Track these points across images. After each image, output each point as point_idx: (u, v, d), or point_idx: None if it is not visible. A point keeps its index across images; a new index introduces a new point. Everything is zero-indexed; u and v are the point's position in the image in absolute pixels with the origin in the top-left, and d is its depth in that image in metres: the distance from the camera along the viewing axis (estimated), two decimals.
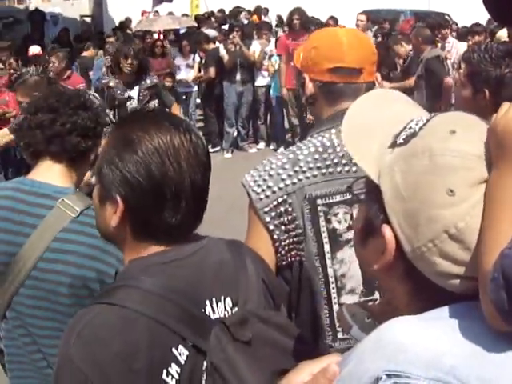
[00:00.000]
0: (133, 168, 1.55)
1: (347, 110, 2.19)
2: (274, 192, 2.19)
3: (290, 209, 2.19)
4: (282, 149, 12.16)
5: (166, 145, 1.56)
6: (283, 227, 2.20)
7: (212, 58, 12.48)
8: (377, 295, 2.21)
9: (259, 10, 19.20)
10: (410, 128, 1.11)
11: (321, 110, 2.37)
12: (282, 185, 2.19)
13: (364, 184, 1.22)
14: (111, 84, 7.51)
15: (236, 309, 1.64)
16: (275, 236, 2.20)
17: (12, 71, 10.19)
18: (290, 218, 2.19)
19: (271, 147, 12.60)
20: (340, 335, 2.22)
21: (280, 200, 2.19)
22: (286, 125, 12.30)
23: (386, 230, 1.09)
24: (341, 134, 1.24)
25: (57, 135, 2.49)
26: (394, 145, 1.12)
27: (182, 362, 1.52)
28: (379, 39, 12.25)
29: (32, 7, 22.39)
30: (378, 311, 1.31)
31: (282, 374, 1.44)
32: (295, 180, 2.19)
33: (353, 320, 1.35)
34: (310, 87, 2.37)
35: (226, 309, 1.62)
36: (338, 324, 2.18)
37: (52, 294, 2.39)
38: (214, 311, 1.60)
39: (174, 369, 1.51)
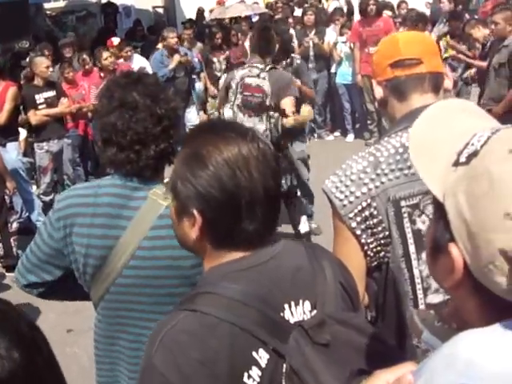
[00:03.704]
0: (206, 183, 1.62)
1: (419, 108, 2.22)
2: (357, 197, 2.22)
3: (374, 212, 2.21)
4: (350, 136, 12.09)
5: (235, 156, 1.62)
6: (369, 231, 2.22)
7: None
8: None
9: None
10: (472, 145, 1.11)
11: (393, 110, 2.39)
12: (364, 189, 2.21)
13: (431, 201, 1.23)
14: None
15: (314, 312, 1.67)
16: (363, 240, 2.23)
17: (86, 67, 10.29)
18: (375, 221, 2.21)
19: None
20: None
21: (364, 204, 2.21)
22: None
23: (453, 249, 1.10)
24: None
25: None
26: (457, 163, 1.12)
27: (263, 366, 1.57)
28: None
29: (104, 0, 22.47)
30: (447, 315, 1.32)
31: (359, 374, 1.48)
32: (378, 183, 2.21)
33: (423, 325, 1.36)
34: (378, 91, 2.42)
35: (304, 312, 1.66)
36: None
37: (154, 280, 2.47)
38: (292, 315, 1.64)
39: (255, 372, 1.56)
